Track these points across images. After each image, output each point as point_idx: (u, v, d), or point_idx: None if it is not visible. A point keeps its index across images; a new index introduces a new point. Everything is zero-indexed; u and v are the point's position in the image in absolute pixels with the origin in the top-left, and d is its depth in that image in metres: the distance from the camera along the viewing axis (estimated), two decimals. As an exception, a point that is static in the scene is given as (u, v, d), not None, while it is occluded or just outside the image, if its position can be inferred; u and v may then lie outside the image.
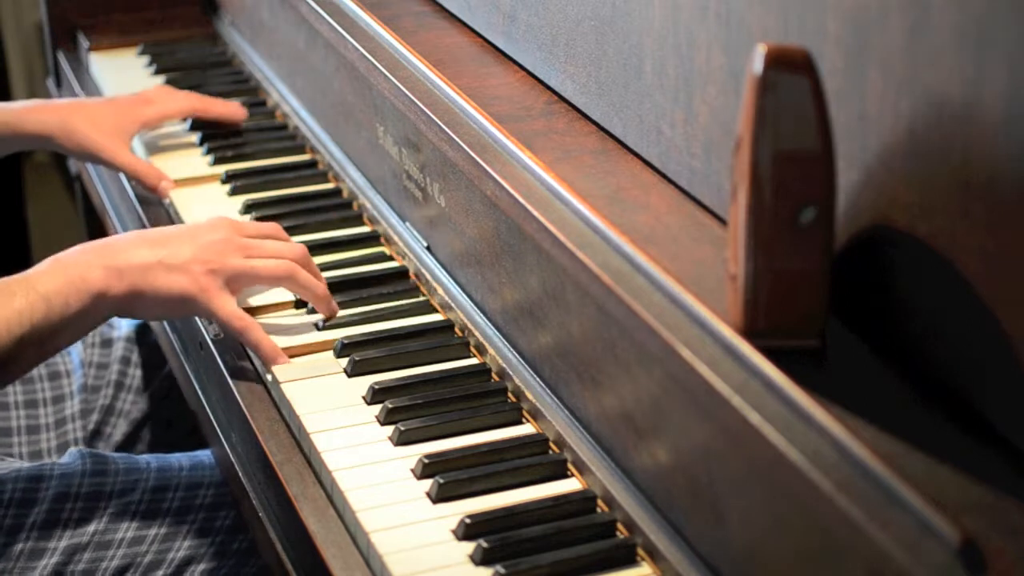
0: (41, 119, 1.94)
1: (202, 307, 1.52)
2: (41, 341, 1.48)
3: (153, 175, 1.93)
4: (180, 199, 1.90)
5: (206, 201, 1.88)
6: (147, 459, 1.69)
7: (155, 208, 1.92)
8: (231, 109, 2.06)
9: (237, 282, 1.55)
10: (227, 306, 1.53)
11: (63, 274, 1.49)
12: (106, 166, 1.99)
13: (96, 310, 1.50)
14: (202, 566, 1.64)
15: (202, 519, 1.65)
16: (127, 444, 1.90)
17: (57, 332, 1.48)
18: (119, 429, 1.91)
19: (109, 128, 1.95)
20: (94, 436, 1.89)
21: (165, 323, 1.78)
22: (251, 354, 1.57)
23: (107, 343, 1.93)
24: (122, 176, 2.00)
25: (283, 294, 1.63)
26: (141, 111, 1.99)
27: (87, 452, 1.66)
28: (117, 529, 1.62)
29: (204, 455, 1.70)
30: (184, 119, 2.07)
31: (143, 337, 1.95)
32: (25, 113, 1.95)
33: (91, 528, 1.61)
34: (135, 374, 1.93)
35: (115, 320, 1.96)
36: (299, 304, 1.63)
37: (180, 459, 1.69)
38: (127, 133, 1.97)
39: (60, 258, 1.52)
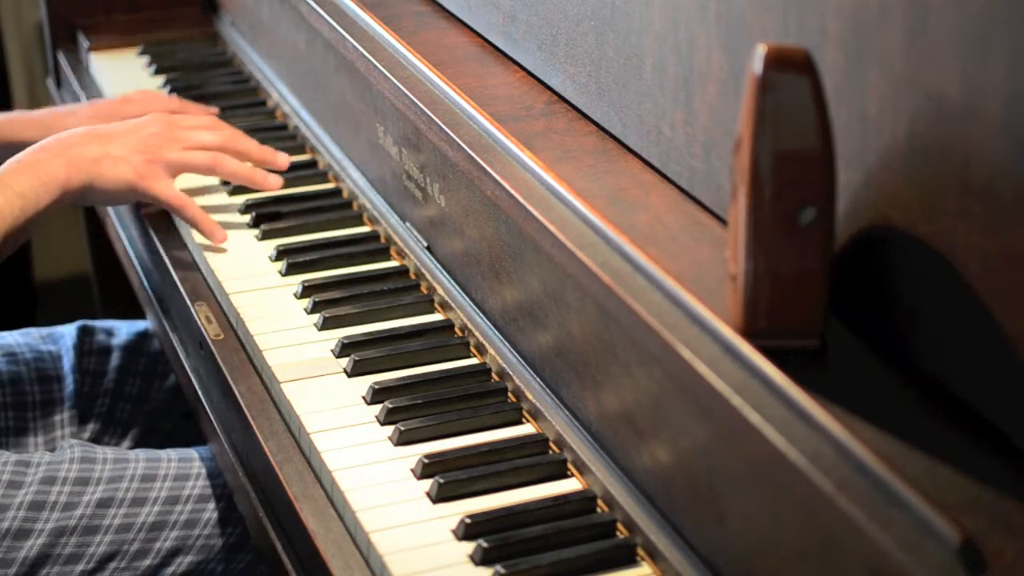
0: (18, 132, 1.95)
1: (144, 192, 1.75)
2: (16, 233, 1.67)
3: None
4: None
5: (206, 201, 1.88)
6: (135, 452, 1.69)
7: (156, 217, 1.92)
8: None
9: (172, 170, 1.77)
10: (166, 188, 1.76)
11: (32, 171, 1.68)
12: None
13: (61, 201, 1.70)
14: (189, 558, 1.65)
15: (190, 510, 1.65)
16: None
17: (30, 224, 1.68)
18: (124, 443, 1.91)
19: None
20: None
21: (166, 324, 1.78)
22: (251, 355, 1.57)
23: (104, 351, 1.93)
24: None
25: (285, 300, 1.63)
26: (120, 109, 2.01)
27: (75, 442, 1.67)
28: (104, 515, 1.63)
29: (192, 450, 1.71)
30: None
31: (141, 347, 1.95)
32: (3, 125, 1.95)
33: (78, 512, 1.62)
34: (134, 383, 1.93)
35: (113, 328, 1.96)
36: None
37: (168, 453, 1.70)
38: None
39: (21, 159, 1.70)
